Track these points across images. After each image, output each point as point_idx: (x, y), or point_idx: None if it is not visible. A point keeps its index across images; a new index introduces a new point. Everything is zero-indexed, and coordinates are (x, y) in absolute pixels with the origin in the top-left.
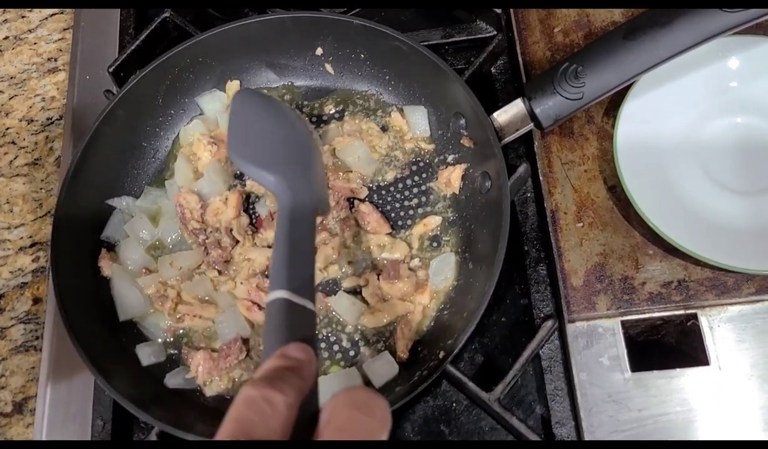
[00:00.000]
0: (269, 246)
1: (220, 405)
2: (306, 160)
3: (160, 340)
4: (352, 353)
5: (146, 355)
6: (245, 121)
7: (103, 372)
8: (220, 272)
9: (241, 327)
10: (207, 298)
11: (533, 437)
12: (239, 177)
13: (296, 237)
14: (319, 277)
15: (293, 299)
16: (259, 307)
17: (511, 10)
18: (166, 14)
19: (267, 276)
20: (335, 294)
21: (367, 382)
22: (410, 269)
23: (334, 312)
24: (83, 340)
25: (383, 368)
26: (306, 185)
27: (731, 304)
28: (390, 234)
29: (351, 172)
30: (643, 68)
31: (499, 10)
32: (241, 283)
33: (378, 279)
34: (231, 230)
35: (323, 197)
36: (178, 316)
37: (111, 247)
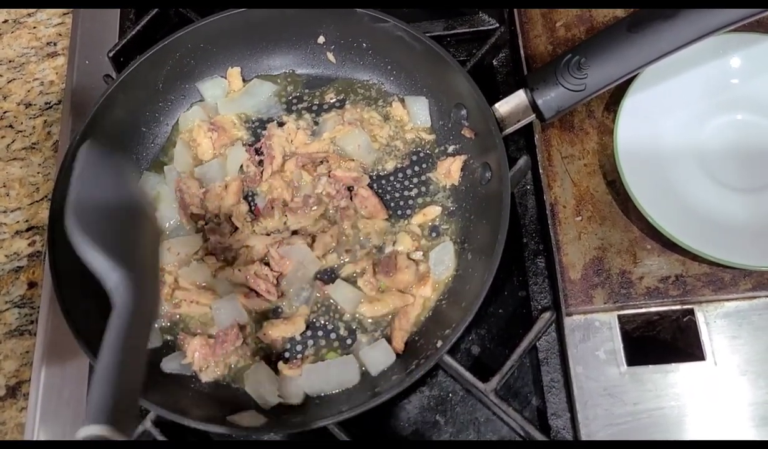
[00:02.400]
0: (268, 234)
1: (216, 391)
2: (154, 251)
3: (156, 325)
4: (349, 341)
5: None
6: (93, 186)
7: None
8: (218, 258)
9: (238, 313)
10: (204, 284)
11: (529, 427)
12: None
13: (129, 356)
14: (318, 265)
15: (115, 437)
16: (257, 294)
17: None
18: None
19: (266, 264)
20: (333, 283)
21: (364, 370)
22: (410, 259)
23: (332, 300)
24: (79, 324)
25: (380, 356)
26: (150, 286)
27: (728, 300)
28: (387, 219)
29: (352, 160)
30: (646, 61)
31: None
32: (239, 270)
33: (375, 270)
34: (230, 217)
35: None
36: (175, 302)
37: None
